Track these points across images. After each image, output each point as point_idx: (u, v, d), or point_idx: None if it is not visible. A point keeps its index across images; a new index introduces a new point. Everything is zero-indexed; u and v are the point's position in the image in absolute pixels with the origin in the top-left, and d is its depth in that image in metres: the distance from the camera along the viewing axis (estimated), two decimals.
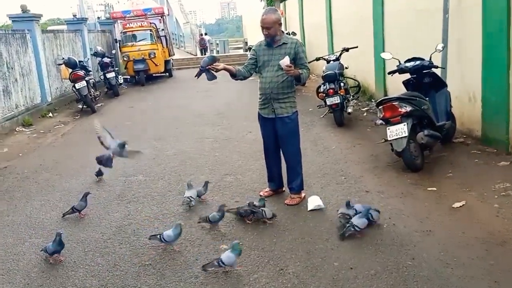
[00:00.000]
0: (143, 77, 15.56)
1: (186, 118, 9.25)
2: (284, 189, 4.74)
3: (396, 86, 8.38)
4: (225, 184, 5.17)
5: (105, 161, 4.06)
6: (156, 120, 9.29)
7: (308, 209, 4.25)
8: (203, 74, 4.24)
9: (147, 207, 4.66)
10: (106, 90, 13.71)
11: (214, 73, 4.22)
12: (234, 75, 4.36)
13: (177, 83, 16.15)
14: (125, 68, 15.93)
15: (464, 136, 6.20)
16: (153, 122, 9.17)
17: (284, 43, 4.24)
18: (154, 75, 16.71)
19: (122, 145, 3.98)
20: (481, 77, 5.71)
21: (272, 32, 4.17)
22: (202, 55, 28.60)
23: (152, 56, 15.62)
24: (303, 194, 4.54)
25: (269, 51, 4.28)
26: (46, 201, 5.03)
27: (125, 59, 15.67)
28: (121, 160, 6.35)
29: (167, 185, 5.28)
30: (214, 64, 4.16)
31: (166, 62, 17.08)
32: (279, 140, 4.43)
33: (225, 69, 4.23)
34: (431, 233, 3.69)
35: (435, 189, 4.63)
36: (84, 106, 10.95)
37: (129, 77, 16.22)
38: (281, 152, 4.56)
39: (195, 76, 4.29)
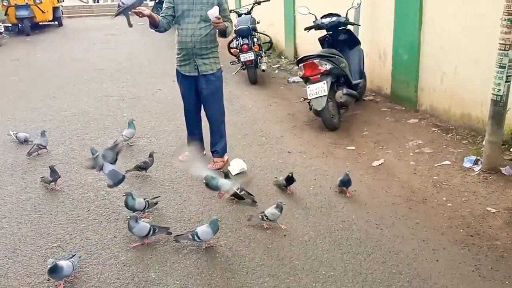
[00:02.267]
0: (28, 26, 13.72)
1: (83, 74, 8.32)
2: (205, 152, 4.44)
3: (306, 42, 8.37)
4: (138, 148, 4.72)
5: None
6: (48, 76, 8.23)
7: (233, 174, 4.03)
8: (122, 17, 3.63)
9: None
10: None
11: (133, 19, 3.63)
12: (155, 25, 3.81)
13: (69, 33, 14.55)
14: (6, 14, 13.87)
15: (374, 94, 6.38)
16: (45, 78, 8.11)
17: None
18: (40, 23, 14.85)
19: None
20: (393, 34, 5.81)
21: None
22: (94, 2, 26.14)
23: (37, 1, 13.79)
24: (226, 157, 4.29)
25: None
26: None
27: (4, 3, 13.60)
28: (10, 123, 5.53)
29: (70, 151, 4.67)
30: (139, 8, 3.54)
31: (55, 9, 15.27)
32: (202, 99, 4.07)
33: (149, 16, 3.66)
34: (356, 193, 3.71)
35: (353, 148, 4.68)
36: None
37: (10, 25, 14.21)
38: (201, 113, 4.22)
39: (112, 17, 3.68)
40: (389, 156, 4.41)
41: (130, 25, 3.77)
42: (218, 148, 4.20)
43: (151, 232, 2.98)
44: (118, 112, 5.96)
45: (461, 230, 3.12)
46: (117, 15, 3.67)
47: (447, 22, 4.92)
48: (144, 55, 10.13)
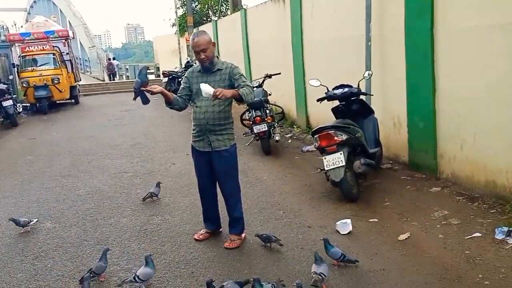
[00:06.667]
0: (46, 105, 14.20)
1: (98, 150, 8.39)
2: (221, 229, 4.27)
3: (317, 110, 8.42)
4: (152, 228, 4.56)
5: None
6: (64, 154, 8.30)
7: (343, 233, 4.07)
8: (139, 97, 3.85)
9: (59, 263, 3.89)
10: (2, 120, 12.21)
11: (148, 95, 3.79)
12: (170, 103, 3.87)
13: (85, 110, 14.98)
14: (25, 95, 14.46)
15: (391, 162, 6.25)
16: (60, 155, 8.17)
17: (219, 69, 3.85)
18: (58, 102, 15.36)
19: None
20: (406, 102, 5.79)
21: (209, 53, 3.78)
22: (110, 80, 27.24)
23: (55, 81, 14.39)
24: (243, 235, 4.11)
25: (203, 78, 3.85)
26: None
27: (24, 85, 14.22)
28: (23, 204, 5.47)
29: (82, 233, 4.53)
30: (150, 87, 3.69)
31: (72, 88, 15.88)
32: (216, 175, 3.99)
33: (162, 92, 3.74)
34: (385, 272, 3.46)
35: (376, 220, 4.47)
36: None
37: (29, 104, 14.72)
38: (217, 189, 4.11)
39: (133, 99, 3.89)
40: (415, 229, 4.18)
41: (145, 103, 3.90)
42: (236, 225, 4.04)
43: None
44: (132, 189, 5.88)
45: None
46: (136, 97, 3.86)
47: (462, 90, 4.89)
48: (158, 130, 10.27)
